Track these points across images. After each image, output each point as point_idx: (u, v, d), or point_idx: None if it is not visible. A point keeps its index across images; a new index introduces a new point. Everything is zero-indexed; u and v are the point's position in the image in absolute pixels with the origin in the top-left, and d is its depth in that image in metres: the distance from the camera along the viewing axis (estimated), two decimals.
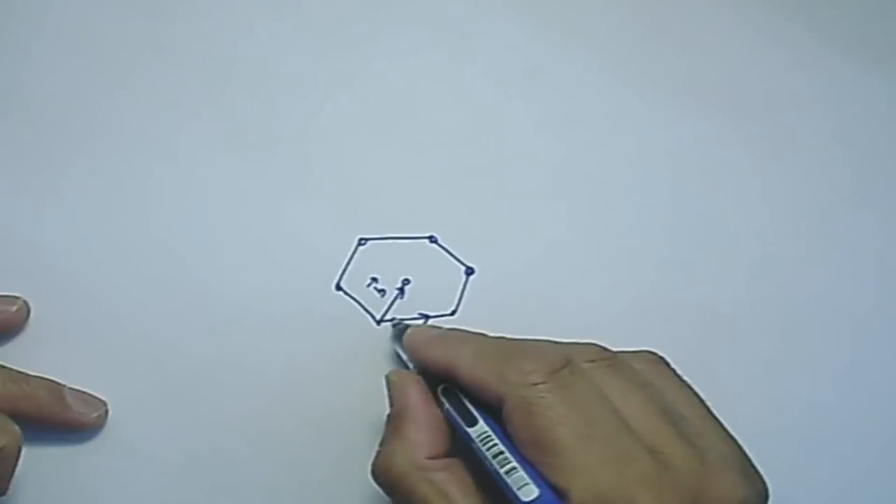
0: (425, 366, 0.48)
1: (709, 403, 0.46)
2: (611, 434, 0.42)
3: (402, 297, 0.53)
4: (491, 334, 0.48)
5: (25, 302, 0.52)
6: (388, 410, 0.48)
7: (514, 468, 0.43)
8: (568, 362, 0.44)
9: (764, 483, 0.44)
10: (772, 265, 0.55)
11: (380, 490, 0.46)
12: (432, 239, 0.55)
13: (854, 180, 0.57)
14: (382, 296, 0.53)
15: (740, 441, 0.45)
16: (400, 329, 0.51)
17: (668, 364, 0.47)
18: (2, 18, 0.57)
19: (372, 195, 0.55)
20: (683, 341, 0.48)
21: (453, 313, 0.53)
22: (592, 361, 0.45)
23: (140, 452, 0.51)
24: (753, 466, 0.44)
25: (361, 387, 0.51)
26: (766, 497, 0.44)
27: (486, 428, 0.44)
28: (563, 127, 0.57)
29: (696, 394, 0.46)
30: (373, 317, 0.53)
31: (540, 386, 0.43)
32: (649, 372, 0.46)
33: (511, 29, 0.59)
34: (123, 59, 0.57)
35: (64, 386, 0.50)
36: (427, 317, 0.53)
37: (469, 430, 0.45)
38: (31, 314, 0.52)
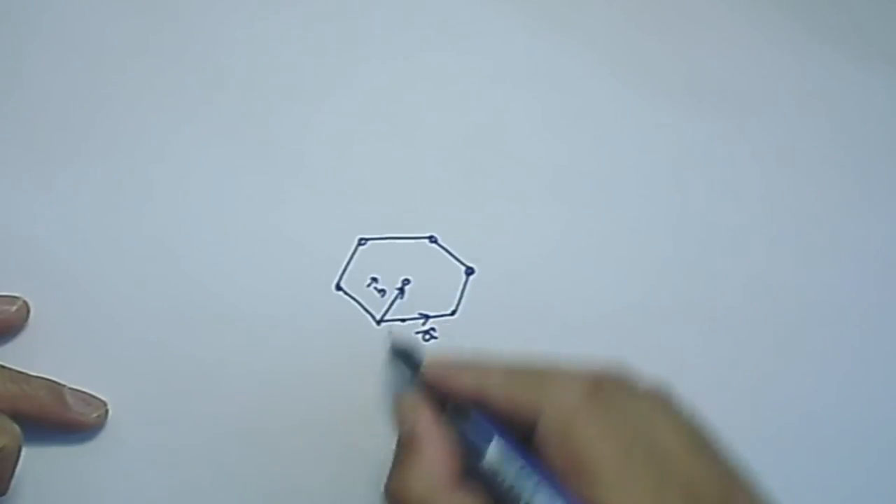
0: (451, 395, 0.47)
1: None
2: (647, 457, 0.42)
3: (402, 297, 0.54)
4: (504, 357, 0.47)
5: (25, 302, 0.52)
6: (388, 408, 0.48)
7: (537, 484, 0.42)
8: (603, 380, 0.44)
9: None
10: (773, 265, 0.55)
11: (375, 489, 0.46)
12: (432, 239, 0.55)
13: (855, 180, 0.57)
14: (382, 296, 0.53)
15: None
16: (397, 348, 0.50)
17: (671, 397, 0.47)
18: (1, 18, 0.57)
19: (372, 195, 0.55)
20: (685, 341, 0.49)
21: (453, 313, 0.53)
22: (623, 382, 0.45)
23: (140, 452, 0.51)
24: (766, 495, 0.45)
25: (361, 387, 0.51)
26: None
27: (504, 446, 0.44)
28: (563, 127, 0.57)
29: (705, 426, 0.46)
30: (373, 317, 0.53)
31: (578, 404, 0.43)
32: (665, 400, 0.46)
33: (512, 28, 0.59)
34: (121, 60, 0.57)
35: (64, 386, 0.50)
36: (427, 317, 0.53)
37: (486, 449, 0.44)
38: (31, 314, 0.52)
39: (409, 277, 0.54)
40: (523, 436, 0.44)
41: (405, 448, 0.46)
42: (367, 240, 0.54)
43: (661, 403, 0.46)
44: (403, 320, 0.53)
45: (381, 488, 0.45)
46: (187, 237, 0.54)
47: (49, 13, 0.58)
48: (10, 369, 0.50)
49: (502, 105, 0.57)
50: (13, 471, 0.47)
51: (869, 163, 0.57)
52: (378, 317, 0.53)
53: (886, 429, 0.52)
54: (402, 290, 0.54)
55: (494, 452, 0.44)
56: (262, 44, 0.58)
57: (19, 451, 0.47)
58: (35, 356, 0.51)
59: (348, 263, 0.54)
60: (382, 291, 0.54)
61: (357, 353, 0.52)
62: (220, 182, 0.55)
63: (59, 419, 0.50)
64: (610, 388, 0.44)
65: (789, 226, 0.56)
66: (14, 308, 0.52)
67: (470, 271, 0.54)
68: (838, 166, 0.57)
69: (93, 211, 0.54)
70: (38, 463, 0.49)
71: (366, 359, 0.52)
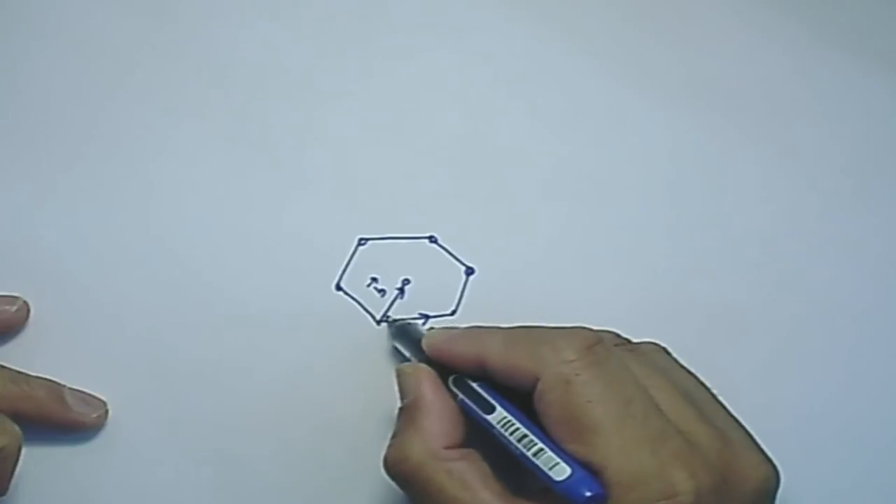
0: (451, 362, 0.47)
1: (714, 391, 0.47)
2: (646, 414, 0.43)
3: (402, 297, 0.54)
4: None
5: (25, 302, 0.52)
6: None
7: (541, 449, 0.43)
8: (599, 340, 0.45)
9: (775, 465, 0.45)
10: (772, 265, 0.55)
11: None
12: (432, 239, 0.55)
13: (854, 179, 0.57)
14: (382, 296, 0.53)
15: None
16: (398, 326, 0.52)
17: (670, 353, 0.48)
18: (1, 18, 0.57)
19: (372, 195, 0.55)
20: (683, 340, 0.48)
21: (453, 313, 0.53)
22: (616, 345, 0.46)
23: (140, 452, 0.51)
24: (762, 449, 0.45)
25: (361, 387, 0.51)
26: (780, 477, 0.45)
27: (506, 413, 0.45)
28: (563, 126, 0.57)
29: (700, 381, 0.47)
30: (373, 317, 0.53)
31: (576, 363, 0.44)
32: (658, 359, 0.47)
33: (511, 29, 0.59)
34: (123, 59, 0.57)
35: (64, 386, 0.50)
36: (427, 317, 0.53)
37: (488, 417, 0.45)
38: (31, 314, 0.52)
39: (409, 277, 0.54)
40: (524, 401, 0.45)
41: (406, 416, 0.46)
42: (367, 240, 0.54)
43: (656, 361, 0.47)
44: (397, 319, 0.53)
45: (381, 460, 0.46)
46: (187, 237, 0.54)
47: (50, 13, 0.58)
48: (10, 369, 0.50)
49: (502, 106, 0.57)
50: (13, 471, 0.47)
51: (867, 163, 0.57)
52: (378, 317, 0.53)
53: (886, 428, 0.52)
54: (402, 290, 0.54)
55: (498, 419, 0.44)
56: (264, 44, 0.58)
57: (19, 451, 0.47)
58: (35, 356, 0.51)
59: (348, 263, 0.54)
60: (382, 291, 0.54)
61: (357, 353, 0.52)
62: (220, 182, 0.55)
63: (59, 419, 0.50)
64: (605, 349, 0.45)
65: (788, 225, 0.56)
66: (14, 308, 0.52)
67: (470, 271, 0.54)
68: (837, 166, 0.57)
69: (93, 210, 0.54)
70: (38, 463, 0.49)
71: (366, 359, 0.52)
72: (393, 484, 0.47)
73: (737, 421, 0.46)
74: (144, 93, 0.56)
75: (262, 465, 0.50)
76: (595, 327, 0.47)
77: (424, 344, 0.48)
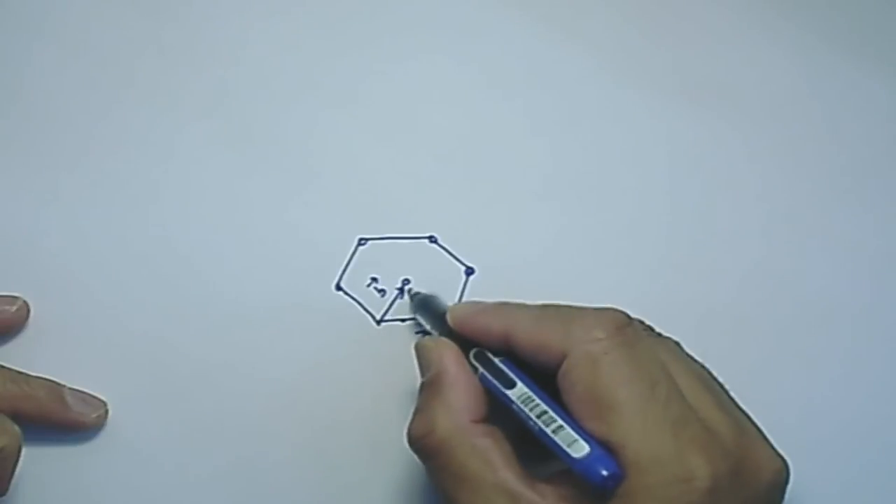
0: (476, 335, 0.47)
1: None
2: (669, 398, 0.43)
3: (402, 297, 0.54)
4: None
5: (25, 302, 0.52)
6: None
7: (560, 426, 0.43)
8: (629, 322, 0.45)
9: (785, 460, 0.45)
10: (769, 265, 0.55)
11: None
12: (432, 239, 0.55)
13: (852, 179, 0.57)
14: (382, 296, 0.54)
15: None
16: (420, 298, 0.51)
17: (681, 347, 0.48)
18: (3, 19, 0.57)
19: (372, 195, 0.55)
20: (682, 339, 0.48)
21: None
22: (644, 329, 0.47)
23: (140, 452, 0.51)
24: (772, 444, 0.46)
25: (361, 386, 0.51)
26: (790, 472, 0.45)
27: (526, 389, 0.45)
28: (562, 127, 0.57)
29: (713, 375, 0.47)
30: (373, 317, 0.53)
31: (605, 342, 0.44)
32: (678, 350, 0.47)
33: (511, 30, 0.59)
34: (126, 60, 0.57)
35: (64, 386, 0.50)
36: None
37: (508, 392, 0.45)
38: (31, 314, 0.52)
39: (409, 277, 0.54)
40: (544, 378, 0.45)
41: (430, 390, 0.46)
42: (367, 240, 0.54)
43: (676, 349, 0.47)
44: (403, 320, 0.53)
45: (404, 435, 0.45)
46: (187, 237, 0.54)
47: (53, 13, 0.58)
48: (10, 369, 0.50)
49: (502, 106, 0.58)
50: (13, 471, 0.47)
51: (866, 163, 0.58)
52: (378, 317, 0.53)
53: (885, 425, 0.52)
54: (402, 290, 0.54)
55: (518, 394, 0.44)
56: (265, 46, 0.58)
57: (19, 451, 0.47)
58: (35, 356, 0.51)
59: (348, 263, 0.54)
60: (382, 291, 0.54)
61: (357, 353, 0.52)
62: (221, 182, 0.55)
63: (59, 419, 0.50)
64: (635, 331, 0.45)
65: (787, 225, 0.56)
66: (14, 308, 0.52)
67: (470, 271, 0.54)
68: (836, 166, 0.57)
69: (94, 210, 0.54)
70: (38, 463, 0.49)
71: (366, 359, 0.52)
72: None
73: (747, 416, 0.46)
74: (146, 93, 0.56)
75: (261, 464, 0.50)
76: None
77: (449, 316, 0.48)
